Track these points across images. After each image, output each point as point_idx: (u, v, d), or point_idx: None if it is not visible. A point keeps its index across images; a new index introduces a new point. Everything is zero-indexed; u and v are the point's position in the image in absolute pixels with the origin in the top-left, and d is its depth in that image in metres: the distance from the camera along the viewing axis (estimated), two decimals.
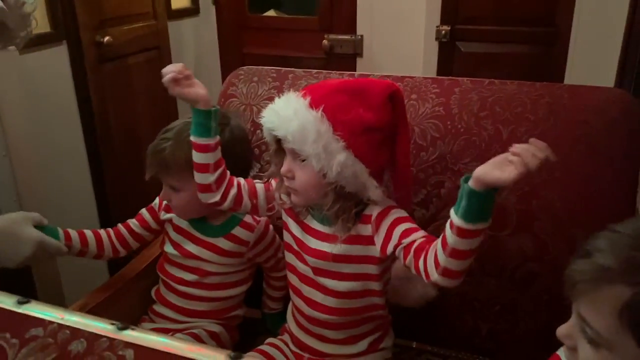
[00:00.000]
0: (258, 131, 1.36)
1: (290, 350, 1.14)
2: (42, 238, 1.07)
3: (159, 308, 1.28)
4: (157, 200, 1.30)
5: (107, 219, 2.13)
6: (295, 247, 1.07)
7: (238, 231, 1.22)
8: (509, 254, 1.19)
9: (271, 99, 1.33)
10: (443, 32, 2.30)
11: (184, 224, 1.24)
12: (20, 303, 0.49)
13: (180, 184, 1.15)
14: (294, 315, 1.13)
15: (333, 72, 1.44)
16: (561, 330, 0.70)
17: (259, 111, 1.36)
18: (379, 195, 0.97)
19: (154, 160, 1.15)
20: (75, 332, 0.45)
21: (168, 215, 1.26)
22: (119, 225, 1.29)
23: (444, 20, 2.30)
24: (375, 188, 0.95)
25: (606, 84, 1.33)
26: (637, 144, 1.14)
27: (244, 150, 1.27)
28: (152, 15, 2.39)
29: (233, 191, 1.07)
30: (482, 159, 1.18)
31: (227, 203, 1.07)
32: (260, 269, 1.34)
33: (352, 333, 1.08)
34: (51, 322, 0.47)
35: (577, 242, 1.13)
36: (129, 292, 1.31)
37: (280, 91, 1.38)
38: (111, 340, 0.44)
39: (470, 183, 0.81)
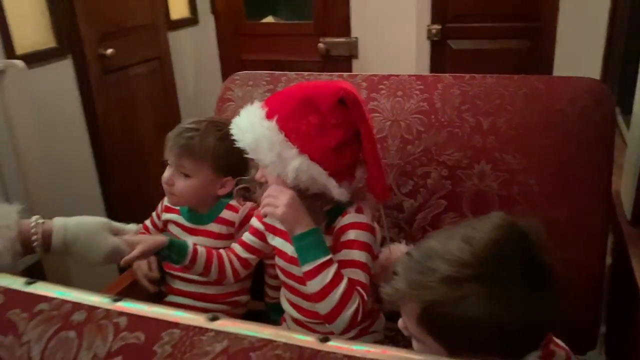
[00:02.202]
0: None
1: None
2: (115, 247, 1.07)
3: (171, 298, 1.35)
4: (158, 207, 1.39)
5: (113, 219, 2.20)
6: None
7: (225, 214, 1.31)
8: None
9: None
10: (434, 31, 2.36)
11: (180, 219, 1.33)
12: (28, 283, 0.56)
13: (194, 171, 1.23)
14: (287, 308, 1.20)
15: (323, 74, 1.51)
16: (399, 324, 0.83)
17: None
18: (342, 194, 1.03)
19: (179, 141, 1.22)
20: (76, 305, 0.52)
21: (168, 216, 1.34)
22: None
23: (434, 20, 2.36)
24: (336, 188, 1.02)
25: (592, 75, 1.38)
26: (609, 128, 1.20)
27: (241, 152, 1.34)
28: (153, 26, 2.47)
29: (238, 267, 1.21)
30: (465, 149, 1.27)
31: (244, 274, 1.23)
32: (261, 263, 1.40)
33: None
34: (55, 298, 0.54)
35: (557, 225, 1.19)
36: (138, 289, 1.37)
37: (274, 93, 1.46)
38: (107, 310, 0.51)
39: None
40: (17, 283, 0.56)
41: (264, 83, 1.50)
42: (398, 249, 1.17)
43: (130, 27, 2.33)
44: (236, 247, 1.22)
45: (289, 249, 1.11)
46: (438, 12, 2.36)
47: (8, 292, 0.55)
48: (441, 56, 2.42)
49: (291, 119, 1.00)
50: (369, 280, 1.04)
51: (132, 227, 1.13)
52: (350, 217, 1.07)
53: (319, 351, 0.43)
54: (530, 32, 2.25)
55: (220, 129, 1.24)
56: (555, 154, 1.21)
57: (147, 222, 1.41)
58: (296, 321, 1.17)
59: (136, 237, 1.11)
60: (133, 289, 1.36)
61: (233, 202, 1.32)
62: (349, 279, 1.00)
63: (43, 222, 1.02)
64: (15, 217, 0.98)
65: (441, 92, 1.34)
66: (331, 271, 0.98)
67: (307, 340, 0.44)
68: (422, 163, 1.31)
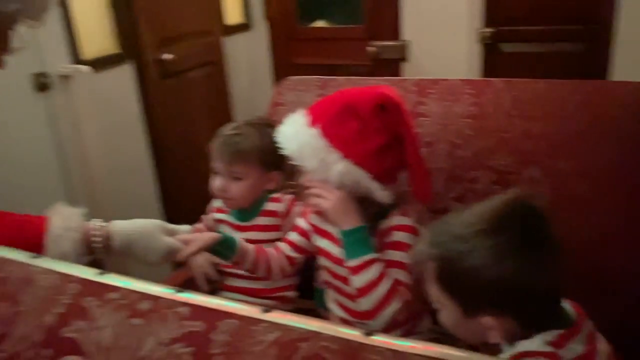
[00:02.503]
0: None
1: None
2: (171, 246, 1.13)
3: (223, 294, 1.41)
4: (208, 208, 1.45)
5: (170, 220, 2.30)
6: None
7: (269, 206, 1.36)
8: None
9: None
10: (485, 34, 2.34)
11: (229, 218, 1.39)
12: (100, 274, 0.62)
13: (244, 172, 1.29)
14: (333, 308, 1.23)
15: (373, 78, 1.53)
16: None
17: None
18: (385, 196, 1.06)
19: (227, 149, 1.29)
20: (143, 295, 0.57)
21: (219, 216, 1.41)
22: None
23: (486, 23, 2.34)
24: (379, 190, 1.05)
25: None
26: None
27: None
28: (209, 32, 2.56)
29: (284, 264, 1.25)
30: (515, 154, 1.27)
31: (290, 270, 1.28)
32: (309, 263, 1.44)
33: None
34: (123, 288, 0.59)
35: (610, 232, 1.17)
36: (192, 286, 1.44)
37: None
38: (170, 300, 0.56)
39: None
40: (90, 273, 0.61)
41: (314, 87, 1.54)
42: None
43: (187, 33, 2.42)
44: (283, 246, 1.27)
45: (335, 250, 1.15)
46: (490, 15, 2.33)
47: (83, 281, 0.61)
48: (493, 59, 2.40)
49: (333, 126, 1.04)
50: (411, 280, 1.06)
51: (185, 228, 1.18)
52: (395, 219, 1.10)
53: (364, 344, 0.46)
54: (586, 34, 2.19)
55: (259, 128, 1.30)
56: (608, 160, 1.19)
57: (199, 225, 1.46)
58: (342, 321, 1.20)
59: (191, 234, 1.17)
60: (187, 286, 1.43)
61: (275, 195, 1.37)
62: (393, 279, 1.03)
63: (104, 225, 1.09)
64: (79, 220, 1.05)
65: (491, 96, 1.35)
66: (376, 269, 1.02)
67: (352, 333, 0.47)
68: (471, 167, 1.32)
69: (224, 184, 1.32)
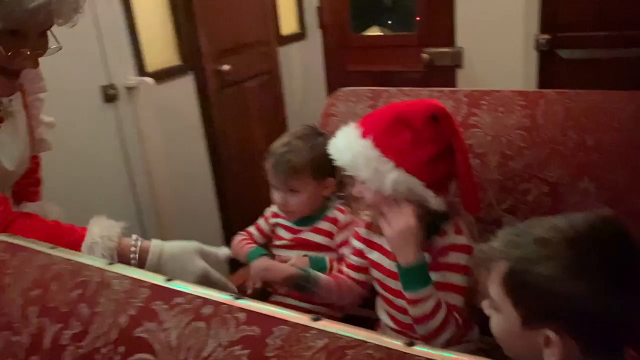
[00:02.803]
0: None
1: None
2: (204, 272, 1.13)
3: (275, 298, 1.47)
4: (266, 212, 1.52)
5: (228, 224, 2.40)
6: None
7: (334, 213, 1.42)
8: None
9: None
10: (542, 40, 2.30)
11: (287, 222, 1.45)
12: (167, 280, 0.68)
13: (300, 186, 1.36)
14: (383, 318, 1.27)
15: (423, 89, 1.55)
16: (482, 304, 0.87)
17: None
18: (440, 204, 1.08)
19: (281, 168, 1.34)
20: (206, 300, 0.63)
21: (277, 220, 1.48)
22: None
23: (542, 29, 2.30)
24: (433, 198, 1.07)
25: None
26: None
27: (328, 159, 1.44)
28: (265, 42, 2.64)
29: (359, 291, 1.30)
30: (568, 166, 1.26)
31: (364, 294, 1.32)
32: None
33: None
34: (189, 293, 0.65)
35: None
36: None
37: (375, 109, 1.53)
38: (230, 306, 0.62)
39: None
40: (159, 279, 0.68)
41: (366, 99, 1.58)
42: None
43: (244, 44, 2.51)
44: (348, 272, 1.30)
45: (385, 262, 1.18)
46: (547, 21, 2.29)
47: (153, 286, 0.68)
48: (550, 66, 2.35)
49: (385, 136, 1.07)
50: (464, 303, 1.10)
51: (224, 251, 1.17)
52: (449, 238, 1.13)
53: (406, 354, 0.49)
54: None
55: (308, 140, 1.36)
56: None
57: (252, 229, 1.54)
58: (393, 331, 1.23)
59: (269, 262, 1.29)
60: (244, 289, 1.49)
61: (339, 206, 1.43)
62: (447, 305, 1.06)
63: (142, 241, 1.11)
64: (118, 232, 1.08)
65: (544, 108, 1.34)
66: (432, 302, 1.05)
67: (395, 343, 0.51)
68: (523, 179, 1.32)
69: (283, 198, 1.38)
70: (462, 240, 1.13)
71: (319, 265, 1.34)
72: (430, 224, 1.13)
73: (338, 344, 0.53)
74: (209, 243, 2.07)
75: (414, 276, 1.06)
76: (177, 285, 0.67)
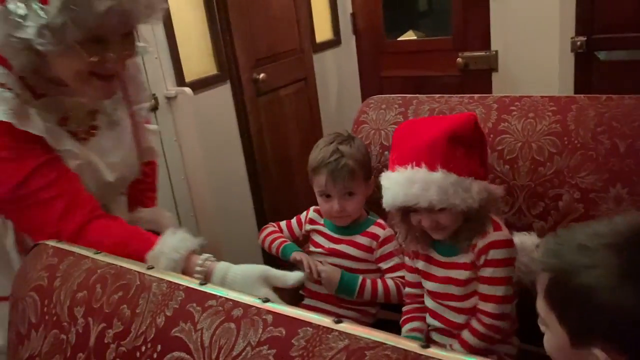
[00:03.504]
0: (386, 152, 1.54)
1: None
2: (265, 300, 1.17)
3: (307, 301, 1.50)
4: (302, 217, 1.55)
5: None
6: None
7: (373, 229, 1.43)
8: None
9: (398, 124, 1.52)
10: (578, 43, 2.27)
11: (324, 229, 1.48)
12: (201, 284, 0.73)
13: (357, 187, 1.39)
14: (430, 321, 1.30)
15: (454, 95, 1.56)
16: (537, 305, 0.82)
17: (387, 135, 1.56)
18: (501, 191, 1.23)
19: (341, 175, 1.36)
20: (235, 303, 0.68)
21: (313, 227, 1.50)
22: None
23: (579, 31, 2.28)
24: (498, 189, 1.22)
25: None
26: None
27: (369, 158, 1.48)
28: (300, 50, 2.69)
29: None
30: (599, 172, 1.26)
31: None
32: None
33: None
34: (220, 297, 0.70)
35: None
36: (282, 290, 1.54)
37: (405, 116, 1.56)
38: (258, 308, 0.66)
39: None
40: (193, 283, 0.73)
41: (396, 106, 1.60)
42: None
43: (280, 53, 2.56)
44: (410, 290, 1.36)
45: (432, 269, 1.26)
46: (584, 23, 2.26)
47: (187, 289, 0.73)
48: (587, 69, 2.32)
49: (451, 159, 1.11)
50: (511, 291, 1.16)
51: (294, 276, 1.10)
52: (491, 235, 1.17)
53: (420, 355, 0.52)
54: None
55: (349, 144, 1.39)
56: None
57: (282, 224, 1.55)
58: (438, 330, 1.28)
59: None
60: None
61: (380, 221, 1.44)
62: (495, 297, 1.14)
63: (211, 261, 1.09)
64: (188, 246, 1.08)
65: (575, 113, 1.34)
66: None
67: (411, 345, 0.54)
68: (554, 185, 1.32)
69: (341, 204, 1.39)
70: (502, 235, 1.17)
71: (349, 285, 1.38)
72: (475, 226, 1.17)
73: (358, 345, 0.57)
74: (246, 250, 2.13)
75: None
76: (210, 288, 0.71)
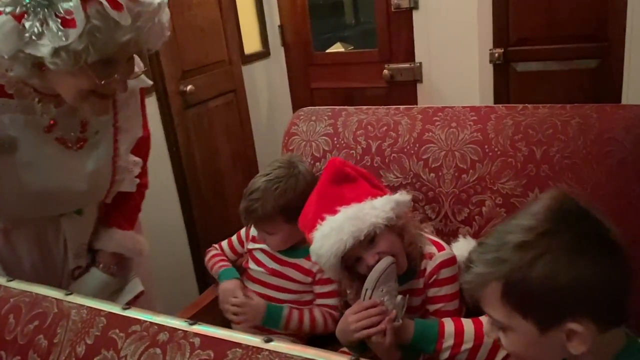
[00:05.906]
0: (317, 163, 1.55)
1: None
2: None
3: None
4: (243, 231, 1.53)
5: (195, 243, 2.40)
6: None
7: None
8: None
9: (327, 135, 1.53)
10: (496, 54, 2.39)
11: (268, 248, 1.44)
12: (124, 309, 0.69)
13: (273, 229, 1.37)
14: None
15: (381, 107, 1.59)
16: (484, 329, 0.88)
17: (318, 146, 1.57)
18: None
19: (250, 217, 1.37)
20: (161, 327, 0.65)
21: (256, 245, 1.47)
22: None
23: (496, 43, 2.39)
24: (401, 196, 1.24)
25: None
26: None
27: (299, 192, 1.37)
28: (228, 62, 2.66)
29: None
30: (518, 178, 1.32)
31: None
32: None
33: None
34: (145, 321, 0.67)
35: None
36: (216, 308, 1.50)
37: (335, 127, 1.57)
38: (184, 331, 0.63)
39: None
40: (115, 308, 0.69)
41: (326, 118, 1.61)
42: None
43: (208, 64, 2.52)
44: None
45: None
46: (500, 36, 2.38)
47: (109, 315, 0.69)
48: (505, 79, 2.44)
49: (342, 199, 1.17)
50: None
51: None
52: (438, 256, 1.21)
53: None
54: (598, 52, 2.22)
55: (276, 186, 1.33)
56: (610, 182, 1.23)
57: (224, 244, 1.55)
58: None
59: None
60: (212, 307, 1.50)
61: None
62: (448, 312, 1.19)
63: None
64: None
65: (494, 122, 1.40)
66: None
67: (341, 359, 0.54)
68: (477, 191, 1.37)
69: (261, 236, 1.41)
70: (446, 255, 1.22)
71: (274, 317, 1.37)
72: (414, 240, 1.21)
73: None
74: (177, 267, 2.08)
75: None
76: (134, 312, 0.68)
